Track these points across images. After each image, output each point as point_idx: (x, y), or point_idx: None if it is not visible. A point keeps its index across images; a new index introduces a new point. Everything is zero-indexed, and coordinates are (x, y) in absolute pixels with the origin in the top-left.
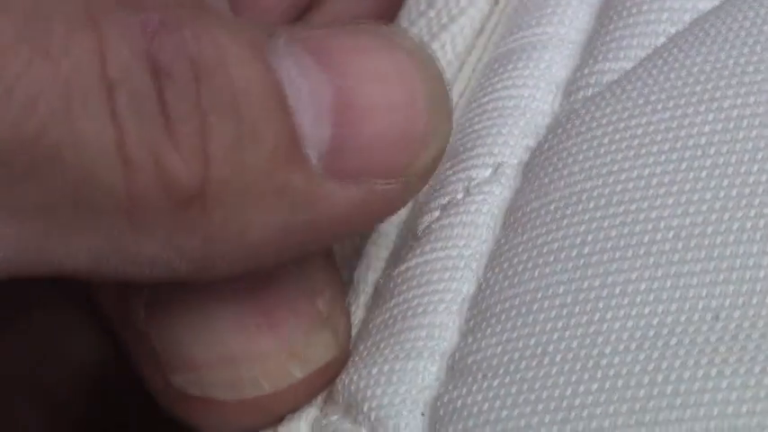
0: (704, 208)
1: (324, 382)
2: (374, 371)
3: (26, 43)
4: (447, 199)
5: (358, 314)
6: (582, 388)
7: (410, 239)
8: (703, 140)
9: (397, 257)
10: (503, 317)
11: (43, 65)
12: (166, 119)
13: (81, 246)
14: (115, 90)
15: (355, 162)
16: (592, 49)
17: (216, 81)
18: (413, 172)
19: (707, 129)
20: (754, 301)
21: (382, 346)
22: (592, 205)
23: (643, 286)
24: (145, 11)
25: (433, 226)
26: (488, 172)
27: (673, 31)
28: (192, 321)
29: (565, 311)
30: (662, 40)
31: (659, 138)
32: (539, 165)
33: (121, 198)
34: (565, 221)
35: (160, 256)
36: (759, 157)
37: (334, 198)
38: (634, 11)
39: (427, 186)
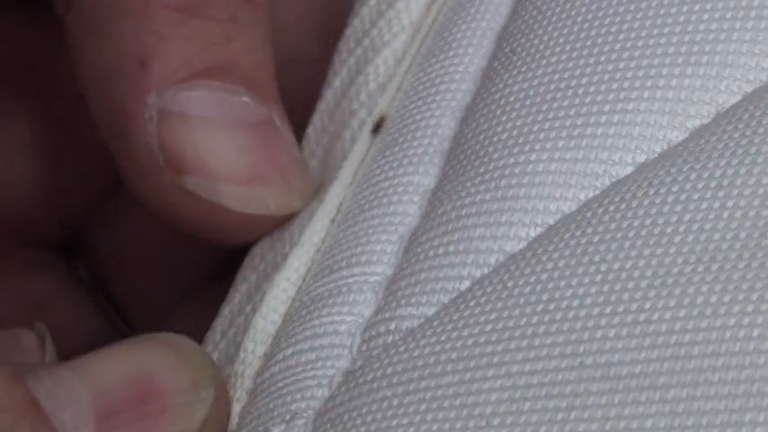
0: None
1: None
2: None
3: None
4: None
5: None
6: None
7: None
8: (488, 410)
9: None
10: None
11: None
12: None
13: None
14: None
15: None
16: (396, 289)
17: None
18: None
19: (493, 397)
20: None
21: None
22: None
23: None
24: None
25: None
26: (282, 427)
27: (477, 274)
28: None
29: None
30: (466, 284)
31: (446, 404)
32: (329, 420)
33: None
34: None
35: None
36: (541, 431)
37: None
38: (440, 251)
39: None
